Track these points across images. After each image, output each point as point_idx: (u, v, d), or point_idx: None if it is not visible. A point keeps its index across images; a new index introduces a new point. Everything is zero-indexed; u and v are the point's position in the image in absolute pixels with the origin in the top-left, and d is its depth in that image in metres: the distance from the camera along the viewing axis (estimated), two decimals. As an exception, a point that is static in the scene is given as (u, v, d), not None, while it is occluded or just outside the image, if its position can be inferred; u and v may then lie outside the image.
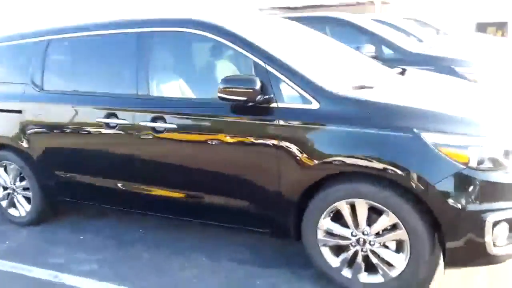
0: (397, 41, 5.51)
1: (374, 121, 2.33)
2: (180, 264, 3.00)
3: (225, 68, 2.96)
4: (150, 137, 2.86)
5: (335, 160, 2.38)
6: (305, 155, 2.44)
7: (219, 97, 2.55)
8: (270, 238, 2.95)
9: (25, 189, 3.67)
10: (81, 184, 3.34)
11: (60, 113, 3.29)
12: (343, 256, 2.53)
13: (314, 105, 2.45)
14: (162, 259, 3.09)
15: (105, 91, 3.12)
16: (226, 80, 2.53)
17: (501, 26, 16.46)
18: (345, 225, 2.48)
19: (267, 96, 2.50)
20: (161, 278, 2.86)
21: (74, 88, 3.31)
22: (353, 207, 2.43)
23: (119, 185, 3.14)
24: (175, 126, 2.78)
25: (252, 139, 2.57)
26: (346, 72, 3.02)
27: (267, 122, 2.53)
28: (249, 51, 2.63)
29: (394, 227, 2.36)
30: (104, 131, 3.06)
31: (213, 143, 2.68)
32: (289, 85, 2.51)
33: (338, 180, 2.44)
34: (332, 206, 2.45)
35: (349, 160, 2.36)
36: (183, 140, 2.80)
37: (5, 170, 3.75)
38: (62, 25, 3.44)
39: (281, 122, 2.49)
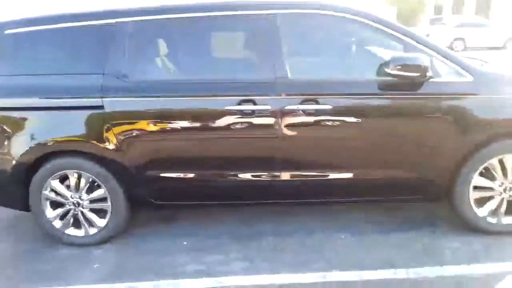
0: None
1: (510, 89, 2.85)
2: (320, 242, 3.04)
3: (368, 50, 3.07)
4: (299, 120, 2.81)
5: (488, 125, 2.82)
6: (465, 122, 2.80)
7: (389, 74, 2.71)
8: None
9: (96, 201, 3.08)
10: (186, 182, 2.99)
11: (162, 105, 2.88)
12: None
13: (469, 78, 2.83)
14: (291, 242, 3.07)
15: (227, 77, 2.88)
16: (397, 58, 2.70)
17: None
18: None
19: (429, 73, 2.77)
20: (317, 258, 2.86)
21: (178, 76, 2.93)
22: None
23: (242, 176, 2.94)
24: (330, 107, 2.80)
25: (419, 113, 2.81)
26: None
27: (433, 96, 2.80)
28: (400, 32, 2.84)
29: None
30: (233, 119, 2.83)
31: (377, 120, 2.81)
32: (444, 62, 2.83)
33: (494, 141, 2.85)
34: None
35: (502, 123, 2.82)
36: (343, 120, 2.82)
37: (61, 182, 3.07)
38: (152, 4, 2.97)
39: (443, 95, 2.80)
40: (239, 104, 2.82)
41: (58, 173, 3.01)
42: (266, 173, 2.94)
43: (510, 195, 2.98)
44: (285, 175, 2.94)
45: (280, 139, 2.85)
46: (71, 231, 3.16)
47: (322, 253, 2.93)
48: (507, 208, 3.01)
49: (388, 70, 2.72)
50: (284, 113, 2.80)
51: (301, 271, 2.74)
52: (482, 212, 3.01)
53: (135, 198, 3.10)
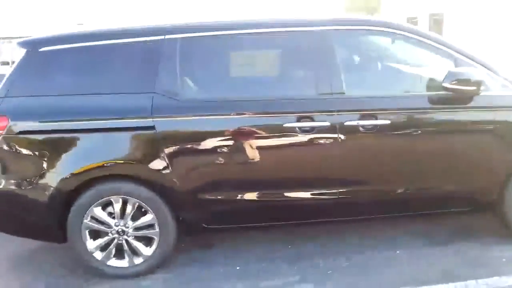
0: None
1: None
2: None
3: (417, 65, 3.11)
4: (356, 135, 2.79)
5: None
6: (512, 135, 2.90)
7: (446, 88, 2.76)
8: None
9: (142, 228, 2.87)
10: (241, 203, 2.88)
11: (215, 124, 2.78)
12: None
13: (513, 91, 2.95)
14: (342, 261, 3.00)
15: (283, 94, 2.82)
16: (454, 73, 2.76)
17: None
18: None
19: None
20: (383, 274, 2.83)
21: (231, 94, 2.82)
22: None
23: (302, 195, 2.87)
24: (388, 122, 2.79)
25: (473, 125, 2.88)
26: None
27: (485, 108, 2.88)
28: (450, 48, 2.92)
29: None
30: (291, 137, 2.77)
31: (434, 133, 2.85)
32: (491, 76, 2.93)
33: None
34: None
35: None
36: (402, 134, 2.83)
37: (103, 209, 2.84)
38: (201, 21, 2.87)
39: (495, 108, 2.89)
40: (297, 121, 2.77)
41: (101, 200, 2.80)
42: (325, 191, 2.89)
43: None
44: (344, 192, 2.90)
45: (340, 156, 2.82)
46: (114, 262, 2.92)
47: (380, 271, 2.89)
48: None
49: (445, 85, 2.78)
50: (343, 129, 2.78)
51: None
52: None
53: (185, 223, 2.93)
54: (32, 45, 2.86)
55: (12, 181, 2.81)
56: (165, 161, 2.75)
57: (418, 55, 3.05)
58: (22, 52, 2.90)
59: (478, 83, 2.76)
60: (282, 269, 2.96)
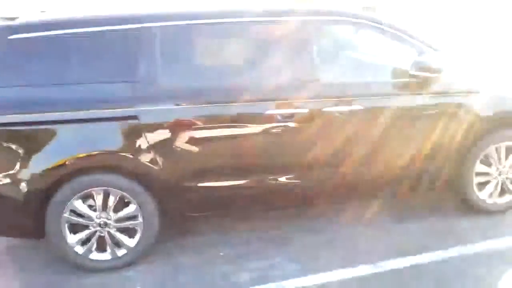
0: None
1: None
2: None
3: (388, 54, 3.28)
4: (337, 120, 2.92)
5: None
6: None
7: (411, 75, 2.98)
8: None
9: (125, 219, 2.84)
10: (222, 190, 2.93)
11: (198, 112, 2.80)
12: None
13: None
14: (324, 241, 3.16)
15: (263, 82, 2.89)
16: (418, 61, 2.98)
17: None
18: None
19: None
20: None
21: (213, 82, 2.84)
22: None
23: (286, 178, 2.95)
24: (361, 108, 2.96)
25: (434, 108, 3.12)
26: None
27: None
28: (413, 38, 3.13)
29: None
30: (271, 124, 2.85)
31: (403, 117, 3.05)
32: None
33: None
34: None
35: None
36: (373, 119, 2.99)
37: (83, 202, 2.78)
38: (183, 9, 2.86)
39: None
40: (277, 108, 2.86)
41: (82, 192, 2.74)
42: (302, 176, 3.01)
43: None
44: (322, 176, 3.04)
45: (318, 141, 2.95)
46: (96, 255, 2.87)
47: (357, 246, 3.07)
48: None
49: (411, 72, 2.99)
50: (321, 115, 2.91)
51: (350, 265, 2.84)
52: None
53: (167, 212, 2.94)
54: (1, 33, 2.72)
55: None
56: (149, 150, 2.74)
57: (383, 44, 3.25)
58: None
59: (437, 70, 3.01)
60: (268, 251, 3.05)
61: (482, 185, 3.38)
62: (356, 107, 2.94)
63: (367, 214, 3.47)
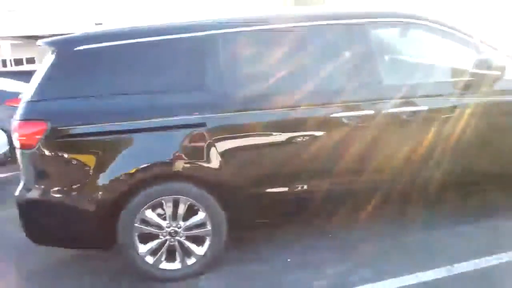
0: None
1: None
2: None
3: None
4: (400, 121, 2.89)
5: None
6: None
7: (475, 74, 2.95)
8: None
9: (193, 227, 2.81)
10: (291, 196, 2.90)
11: (266, 118, 2.79)
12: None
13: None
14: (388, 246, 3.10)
15: (328, 86, 2.88)
16: (481, 60, 2.95)
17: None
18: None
19: (503, 71, 3.07)
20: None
21: (279, 88, 2.83)
22: None
23: (356, 181, 2.93)
24: (426, 108, 2.93)
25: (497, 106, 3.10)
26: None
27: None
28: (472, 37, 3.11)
29: None
30: (337, 126, 2.84)
31: (470, 116, 3.00)
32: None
33: None
34: None
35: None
36: (439, 118, 2.96)
37: (153, 210, 2.76)
38: (236, 16, 2.87)
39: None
40: (343, 111, 2.84)
41: (153, 201, 2.72)
42: (374, 178, 2.97)
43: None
44: (389, 178, 3.00)
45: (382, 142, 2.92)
46: (165, 265, 2.84)
47: (429, 251, 3.01)
48: None
49: (473, 71, 2.97)
50: (386, 117, 2.88)
51: (421, 268, 2.77)
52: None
53: (235, 220, 2.91)
54: (66, 44, 2.74)
55: (56, 189, 2.68)
56: (217, 157, 2.73)
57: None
58: (51, 51, 2.78)
59: (502, 68, 2.98)
60: (333, 257, 2.99)
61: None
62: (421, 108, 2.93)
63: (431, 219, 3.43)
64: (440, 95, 3.00)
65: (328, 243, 3.19)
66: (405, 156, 2.94)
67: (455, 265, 2.79)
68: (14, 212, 2.78)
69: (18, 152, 2.75)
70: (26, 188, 2.74)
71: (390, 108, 2.88)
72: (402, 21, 3.08)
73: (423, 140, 2.95)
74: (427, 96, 2.96)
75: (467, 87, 3.02)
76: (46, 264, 3.26)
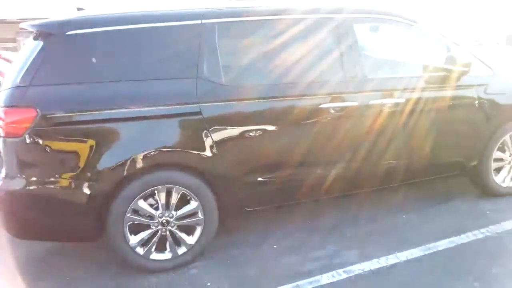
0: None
1: None
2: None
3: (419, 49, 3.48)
4: (381, 111, 3.08)
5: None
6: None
7: (445, 69, 3.22)
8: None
9: (185, 217, 2.81)
10: (281, 183, 2.99)
11: (261, 107, 2.85)
12: None
13: (489, 72, 3.52)
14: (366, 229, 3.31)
15: (317, 77, 2.97)
16: (451, 56, 3.22)
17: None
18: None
19: (467, 68, 3.36)
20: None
21: (273, 78, 2.88)
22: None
23: (338, 169, 3.08)
24: (403, 100, 3.14)
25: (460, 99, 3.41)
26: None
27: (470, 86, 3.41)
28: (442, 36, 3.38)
29: None
30: (325, 116, 2.96)
31: (439, 109, 3.28)
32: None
33: None
34: None
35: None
36: (414, 110, 3.17)
37: (145, 200, 2.72)
38: (240, 5, 2.87)
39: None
40: (331, 102, 2.97)
41: (146, 191, 2.68)
42: (353, 164, 3.14)
43: None
44: (368, 165, 3.19)
45: (367, 132, 3.09)
46: (156, 255, 2.82)
47: (403, 233, 3.23)
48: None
49: (444, 66, 3.23)
50: (366, 108, 3.06)
51: (400, 249, 3.00)
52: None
53: (225, 208, 2.94)
54: (57, 28, 2.60)
55: (43, 180, 2.54)
56: (211, 146, 2.75)
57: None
58: (40, 35, 2.63)
59: (468, 64, 3.27)
60: (316, 241, 3.14)
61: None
62: (399, 100, 3.14)
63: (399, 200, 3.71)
64: (416, 88, 3.23)
65: (311, 228, 3.33)
66: (380, 144, 3.16)
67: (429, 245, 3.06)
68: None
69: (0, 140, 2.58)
70: (9, 179, 2.58)
71: (371, 100, 3.07)
72: (381, 18, 3.25)
73: (399, 130, 3.18)
74: (403, 89, 3.18)
75: (439, 81, 3.29)
76: (31, 257, 3.11)
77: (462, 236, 3.15)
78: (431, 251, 2.97)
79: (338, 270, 2.78)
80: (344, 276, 2.73)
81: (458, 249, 3.00)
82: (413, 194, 3.87)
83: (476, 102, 3.42)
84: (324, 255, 2.97)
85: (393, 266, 2.81)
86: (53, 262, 3.04)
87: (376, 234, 3.24)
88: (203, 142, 2.73)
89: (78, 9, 3.14)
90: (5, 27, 16.80)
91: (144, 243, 2.78)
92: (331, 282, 2.66)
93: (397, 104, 3.14)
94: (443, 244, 3.04)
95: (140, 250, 2.77)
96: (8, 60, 9.63)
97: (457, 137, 3.48)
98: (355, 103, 3.03)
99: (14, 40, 17.07)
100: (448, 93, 3.34)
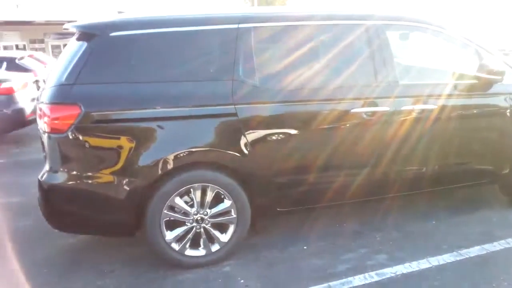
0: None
1: None
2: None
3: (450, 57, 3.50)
4: (413, 117, 3.10)
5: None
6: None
7: (477, 77, 3.24)
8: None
9: (219, 215, 2.87)
10: (313, 185, 3.03)
11: (295, 110, 2.91)
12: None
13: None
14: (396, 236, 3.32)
15: (349, 82, 3.02)
16: (484, 64, 3.22)
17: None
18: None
19: (501, 76, 3.36)
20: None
21: (307, 81, 2.93)
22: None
23: (373, 173, 3.11)
24: (435, 107, 3.15)
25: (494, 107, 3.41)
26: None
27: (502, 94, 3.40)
28: (474, 43, 3.38)
29: None
30: (358, 121, 2.99)
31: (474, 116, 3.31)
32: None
33: None
34: None
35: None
36: (447, 117, 3.20)
37: (181, 197, 2.79)
38: (274, 11, 2.95)
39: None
40: (363, 107, 3.01)
41: (183, 188, 2.75)
42: (383, 168, 3.16)
43: None
44: (397, 170, 3.21)
45: (398, 137, 3.11)
46: (190, 251, 2.88)
47: (433, 238, 3.24)
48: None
49: (476, 74, 3.24)
50: (399, 114, 3.08)
51: (431, 254, 3.00)
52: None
53: (258, 208, 2.99)
54: (101, 29, 2.70)
55: (85, 175, 2.64)
56: (246, 146, 2.80)
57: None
58: (83, 36, 2.74)
59: (501, 73, 3.26)
60: (348, 245, 3.16)
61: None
62: (431, 106, 3.16)
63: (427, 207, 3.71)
64: (449, 95, 3.24)
65: (340, 231, 3.37)
66: (411, 149, 3.16)
67: (460, 251, 3.05)
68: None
69: (44, 136, 2.69)
70: (52, 173, 2.68)
71: (404, 105, 3.10)
72: (415, 26, 3.28)
73: (430, 136, 3.19)
74: (435, 96, 3.20)
75: (471, 89, 3.30)
76: (58, 251, 3.20)
77: (494, 243, 3.14)
78: (463, 257, 2.97)
79: (370, 273, 2.80)
80: (376, 278, 2.75)
81: (490, 256, 2.99)
82: (441, 201, 3.86)
83: (508, 110, 3.42)
84: (355, 258, 2.99)
85: (425, 270, 2.82)
86: (90, 255, 3.13)
87: (406, 239, 3.25)
88: (238, 142, 2.79)
89: (119, 12, 3.24)
90: (34, 28, 17.31)
91: (179, 239, 2.85)
92: (363, 284, 2.69)
93: (428, 110, 3.16)
94: (474, 251, 3.04)
95: (176, 246, 2.84)
96: (39, 60, 9.91)
97: (488, 145, 3.48)
98: (387, 108, 3.06)
99: (42, 41, 17.58)
100: (480, 100, 3.36)
